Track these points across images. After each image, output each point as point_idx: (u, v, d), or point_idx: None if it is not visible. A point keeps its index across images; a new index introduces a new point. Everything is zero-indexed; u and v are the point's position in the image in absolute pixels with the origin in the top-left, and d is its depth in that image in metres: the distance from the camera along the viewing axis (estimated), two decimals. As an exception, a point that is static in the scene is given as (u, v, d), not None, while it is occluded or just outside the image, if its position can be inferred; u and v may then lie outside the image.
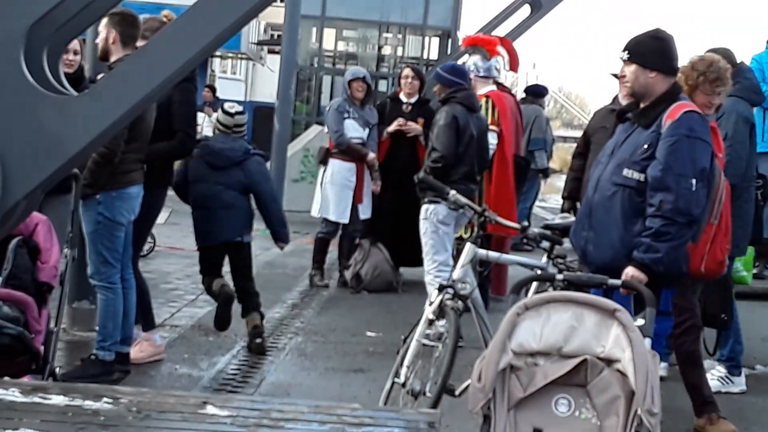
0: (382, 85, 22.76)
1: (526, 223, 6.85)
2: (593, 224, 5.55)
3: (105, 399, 3.51)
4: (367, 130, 10.70)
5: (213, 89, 22.63)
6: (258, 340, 7.94)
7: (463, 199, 6.95)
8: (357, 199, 10.66)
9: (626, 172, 5.41)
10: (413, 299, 8.90)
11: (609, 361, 3.94)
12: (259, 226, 16.62)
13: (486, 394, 3.88)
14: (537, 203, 17.53)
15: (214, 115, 19.95)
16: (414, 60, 22.15)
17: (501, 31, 18.29)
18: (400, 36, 23.30)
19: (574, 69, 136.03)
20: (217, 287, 8.20)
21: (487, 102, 9.43)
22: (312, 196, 11.09)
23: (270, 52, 35.60)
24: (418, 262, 9.02)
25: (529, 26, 19.59)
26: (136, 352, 7.21)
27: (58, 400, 3.49)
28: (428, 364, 5.99)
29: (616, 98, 8.21)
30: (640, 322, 4.15)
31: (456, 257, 7.03)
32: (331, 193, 10.64)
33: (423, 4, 21.61)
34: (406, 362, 5.96)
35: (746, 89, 7.09)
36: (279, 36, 25.52)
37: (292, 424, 3.40)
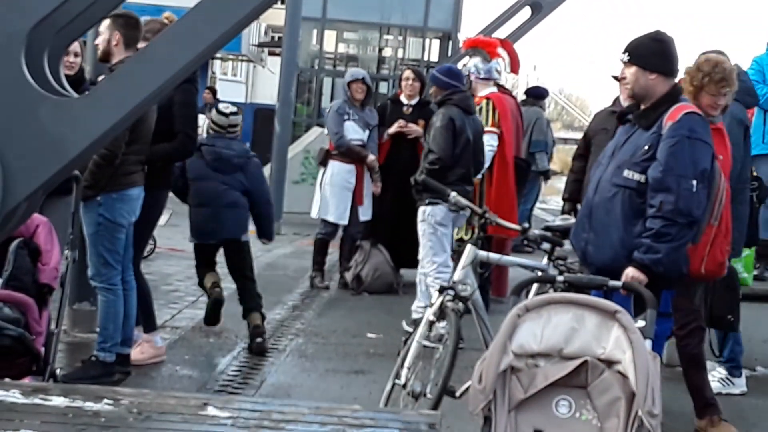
0: (383, 87, 22.79)
1: (526, 225, 6.87)
2: (593, 225, 5.55)
3: (105, 400, 3.51)
4: (367, 132, 10.71)
5: (214, 91, 22.65)
6: (259, 340, 7.95)
7: (464, 201, 6.96)
8: (357, 200, 10.67)
9: (627, 173, 5.42)
10: (414, 301, 8.89)
11: (610, 363, 3.95)
12: (259, 227, 16.56)
13: (487, 396, 3.88)
14: (537, 205, 17.53)
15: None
16: (414, 62, 22.17)
17: (501, 33, 18.30)
18: (400, 38, 23.32)
19: (575, 71, 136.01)
20: (209, 285, 8.31)
21: (487, 104, 9.44)
22: (312, 197, 11.10)
23: (271, 54, 35.60)
24: (418, 262, 9.02)
25: (530, 28, 19.60)
26: (136, 353, 7.21)
27: (58, 401, 3.49)
28: (429, 365, 5.99)
29: (616, 100, 8.22)
30: (641, 323, 4.14)
31: (457, 259, 7.03)
32: (330, 195, 10.64)
33: (423, 6, 21.63)
34: (406, 364, 5.96)
35: (740, 91, 7.09)
36: (280, 38, 25.50)
37: (293, 425, 3.40)
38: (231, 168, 8.16)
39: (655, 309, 4.31)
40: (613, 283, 4.69)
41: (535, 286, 6.14)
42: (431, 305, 6.20)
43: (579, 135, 12.04)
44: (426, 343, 6.03)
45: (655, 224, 5.28)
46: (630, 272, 5.29)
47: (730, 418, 6.55)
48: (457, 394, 5.77)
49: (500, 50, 9.95)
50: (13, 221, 3.42)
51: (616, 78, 7.79)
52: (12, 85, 3.20)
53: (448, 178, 8.29)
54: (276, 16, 21.78)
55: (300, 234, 15.10)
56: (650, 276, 5.26)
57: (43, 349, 4.95)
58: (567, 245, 6.30)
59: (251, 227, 8.46)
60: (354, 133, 10.62)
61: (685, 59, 6.14)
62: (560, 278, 4.78)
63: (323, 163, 10.82)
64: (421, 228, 8.65)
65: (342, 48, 24.30)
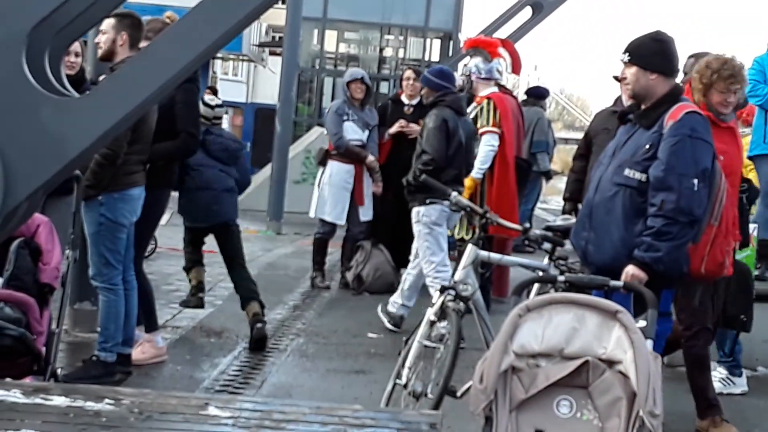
0: (384, 87, 22.80)
1: (527, 225, 6.87)
2: (594, 225, 5.55)
3: (107, 400, 3.51)
4: (366, 132, 10.71)
5: (215, 91, 22.62)
6: (259, 326, 8.03)
7: (465, 201, 6.97)
8: (358, 201, 10.67)
9: (628, 172, 5.42)
10: (417, 300, 8.90)
11: (611, 363, 3.94)
12: (260, 227, 16.66)
13: (488, 396, 3.88)
14: (538, 205, 17.53)
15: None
16: (415, 62, 22.18)
17: (502, 33, 18.35)
18: (401, 38, 23.35)
19: (576, 71, 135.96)
20: (194, 282, 8.78)
21: (488, 104, 9.44)
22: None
23: (271, 53, 35.60)
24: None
25: (531, 28, 19.65)
26: (137, 353, 7.21)
27: (59, 401, 3.49)
28: (430, 365, 5.99)
29: (618, 100, 8.21)
30: (642, 323, 4.14)
31: (458, 259, 7.03)
32: (328, 194, 10.65)
33: (424, 6, 21.65)
34: (407, 364, 5.95)
35: None
36: (280, 38, 25.50)
37: (294, 425, 3.41)
38: (230, 158, 8.42)
39: (656, 309, 4.30)
40: (614, 283, 4.69)
41: (536, 286, 6.14)
42: (432, 305, 6.19)
43: (580, 135, 12.02)
44: (427, 343, 6.03)
45: (657, 223, 5.28)
46: (630, 270, 5.29)
47: (731, 418, 6.55)
48: (458, 394, 5.77)
49: (501, 50, 9.94)
50: (14, 221, 3.42)
51: (616, 78, 7.79)
52: (13, 84, 3.20)
53: (441, 179, 8.29)
54: (277, 15, 21.80)
55: (301, 234, 15.11)
56: (650, 274, 5.27)
57: (44, 349, 4.95)
58: (568, 245, 6.29)
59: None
60: (353, 133, 10.62)
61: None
62: (561, 278, 4.78)
63: (322, 163, 10.83)
64: (416, 229, 8.69)
65: (343, 48, 24.33)
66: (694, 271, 5.74)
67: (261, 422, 3.41)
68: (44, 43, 3.29)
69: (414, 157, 8.83)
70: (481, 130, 9.37)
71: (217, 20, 3.24)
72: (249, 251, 13.37)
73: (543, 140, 14.63)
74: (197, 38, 3.25)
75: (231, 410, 3.53)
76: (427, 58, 22.68)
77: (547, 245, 6.59)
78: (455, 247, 9.67)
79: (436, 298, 6.22)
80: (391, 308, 9.00)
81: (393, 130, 10.69)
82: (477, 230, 6.81)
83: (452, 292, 6.18)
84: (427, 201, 8.32)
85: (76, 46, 7.21)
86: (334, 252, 11.69)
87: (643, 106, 5.57)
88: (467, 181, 9.26)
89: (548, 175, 15.57)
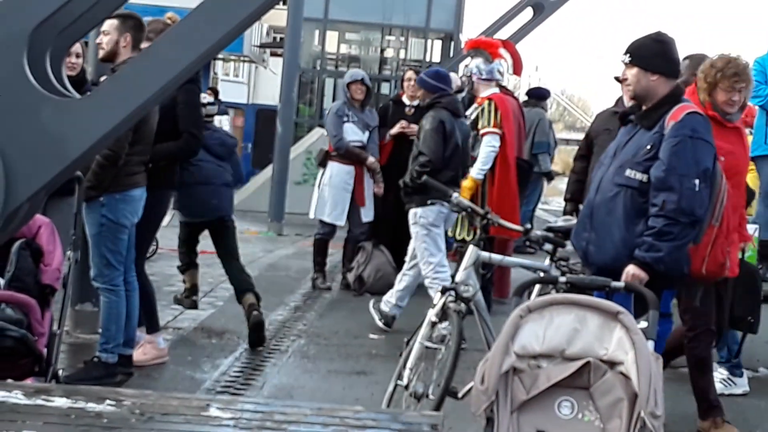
0: (385, 88, 22.79)
1: (528, 226, 6.87)
2: (594, 225, 5.56)
3: (108, 401, 3.51)
4: (367, 133, 10.73)
5: (216, 92, 22.64)
6: (255, 313, 8.09)
7: (466, 202, 6.97)
8: (358, 201, 10.68)
9: (629, 172, 5.42)
10: (416, 302, 8.90)
11: (612, 364, 3.95)
12: (261, 228, 16.66)
13: (489, 397, 3.88)
14: (539, 206, 17.52)
15: (216, 118, 20.01)
16: (416, 62, 22.16)
17: (503, 33, 18.35)
18: (402, 39, 23.33)
19: (577, 72, 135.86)
20: (189, 285, 8.73)
21: (489, 104, 9.44)
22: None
23: (272, 54, 35.63)
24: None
25: (532, 29, 19.64)
26: (139, 354, 7.22)
27: (61, 402, 3.49)
28: (431, 366, 5.99)
29: (619, 100, 8.21)
30: (643, 324, 4.14)
31: (459, 260, 7.03)
32: (328, 195, 10.65)
33: (425, 6, 21.64)
34: (408, 365, 5.95)
35: None
36: (281, 39, 25.50)
37: (295, 426, 3.40)
38: (226, 152, 8.52)
39: (657, 310, 4.31)
40: (615, 284, 4.69)
41: (537, 287, 6.14)
42: (433, 306, 6.19)
43: (581, 136, 12.02)
44: (428, 344, 6.03)
45: (658, 223, 5.28)
46: (631, 270, 5.29)
47: (732, 419, 6.55)
48: (460, 395, 5.75)
49: (503, 51, 9.94)
50: (15, 222, 3.43)
51: (618, 79, 7.79)
52: (14, 85, 3.21)
53: (438, 180, 8.32)
54: (278, 16, 21.83)
55: (302, 235, 15.10)
56: (651, 274, 5.27)
57: (45, 350, 4.94)
58: (569, 246, 6.29)
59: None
60: (353, 134, 10.63)
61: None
62: (562, 279, 4.78)
63: (322, 164, 10.84)
64: (414, 230, 8.71)
65: (344, 49, 24.31)
66: (695, 272, 5.74)
67: (262, 423, 3.41)
68: (46, 44, 3.29)
69: (410, 158, 8.86)
70: (482, 131, 9.37)
71: (218, 21, 3.24)
72: (250, 252, 13.43)
73: (544, 141, 14.62)
74: (198, 39, 3.26)
75: (232, 411, 3.53)
76: (428, 59, 22.67)
77: (548, 246, 6.59)
78: (457, 249, 9.67)
79: (437, 299, 6.22)
80: (384, 307, 9.02)
81: (394, 131, 10.70)
82: (478, 231, 6.81)
83: (453, 293, 6.18)
84: (428, 202, 8.34)
85: (77, 47, 7.20)
86: (335, 253, 11.69)
87: (644, 107, 5.57)
88: (468, 182, 9.27)
89: (550, 176, 15.56)
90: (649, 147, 5.40)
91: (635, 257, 5.31)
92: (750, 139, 8.83)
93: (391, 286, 10.23)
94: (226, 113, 22.79)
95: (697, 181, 5.31)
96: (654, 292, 4.53)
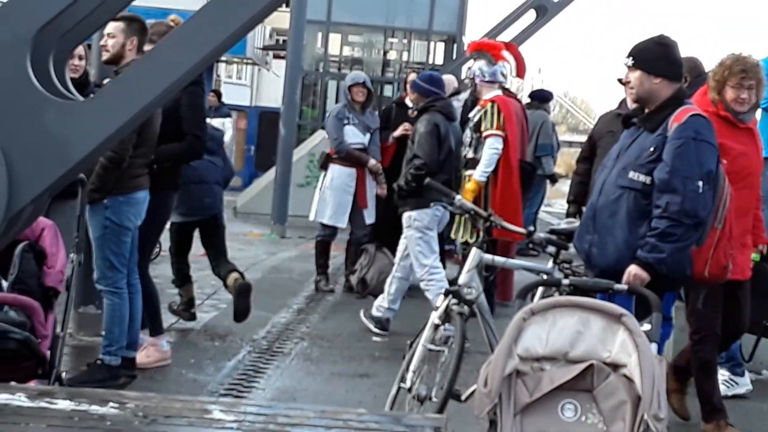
0: (388, 90, 22.80)
1: (531, 228, 6.86)
2: (597, 227, 5.55)
3: (111, 404, 3.51)
4: (368, 135, 10.76)
5: (219, 94, 22.63)
6: (242, 281, 8.38)
7: (469, 204, 6.98)
8: (361, 203, 10.70)
9: (632, 174, 5.42)
10: (419, 304, 8.91)
11: (615, 366, 3.94)
12: (264, 231, 16.67)
13: (492, 399, 3.88)
14: (542, 208, 17.53)
15: (218, 120, 20.00)
16: (419, 65, 22.19)
17: (506, 36, 18.35)
18: (405, 41, 23.35)
19: (580, 74, 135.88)
20: (187, 299, 8.73)
21: (492, 107, 9.44)
22: (317, 201, 11.14)
23: (275, 57, 35.63)
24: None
25: (535, 31, 19.64)
26: (142, 357, 7.22)
27: (64, 404, 3.49)
28: (434, 369, 5.98)
29: (622, 102, 8.21)
30: (647, 327, 4.14)
31: (462, 262, 7.03)
32: (330, 198, 10.67)
33: (428, 9, 21.65)
34: (412, 367, 5.95)
35: None
36: (284, 41, 25.55)
37: (299, 429, 3.40)
38: (216, 145, 8.55)
39: (660, 312, 4.31)
40: (618, 286, 4.69)
41: (540, 289, 6.13)
42: (436, 309, 6.19)
43: (584, 138, 12.02)
44: (431, 346, 6.03)
45: (661, 224, 5.28)
46: (633, 270, 5.29)
47: (735, 421, 6.55)
48: (463, 397, 5.77)
49: (506, 54, 9.94)
50: (18, 224, 3.43)
51: (621, 81, 7.79)
52: (17, 88, 3.20)
53: None
54: (281, 19, 21.81)
55: (305, 237, 15.11)
56: (653, 275, 5.26)
57: (48, 353, 4.94)
58: (572, 248, 6.29)
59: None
60: (354, 137, 10.65)
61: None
62: (566, 281, 4.77)
63: (324, 166, 10.86)
64: (408, 233, 8.77)
65: (347, 51, 24.34)
66: (697, 275, 5.73)
67: (265, 426, 3.41)
68: (49, 46, 3.29)
69: (404, 162, 8.91)
70: (485, 134, 9.38)
71: (221, 23, 3.24)
72: (253, 255, 13.46)
73: (548, 143, 14.62)
74: (201, 41, 3.25)
75: (235, 414, 3.53)
76: (431, 62, 22.68)
77: (551, 248, 6.59)
78: (460, 251, 9.68)
79: (437, 301, 6.23)
80: (376, 312, 9.06)
81: (397, 133, 10.72)
82: (481, 233, 6.81)
83: (456, 295, 6.18)
84: (431, 204, 8.37)
85: (79, 50, 7.21)
86: (338, 255, 11.70)
87: (646, 110, 5.57)
88: (471, 184, 9.28)
89: (553, 178, 15.56)
90: (652, 149, 5.40)
91: (637, 257, 5.31)
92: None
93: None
94: (229, 116, 22.78)
95: (700, 183, 5.31)
96: (655, 294, 4.53)
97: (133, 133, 6.39)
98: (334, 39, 23.27)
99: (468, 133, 9.59)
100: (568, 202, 8.65)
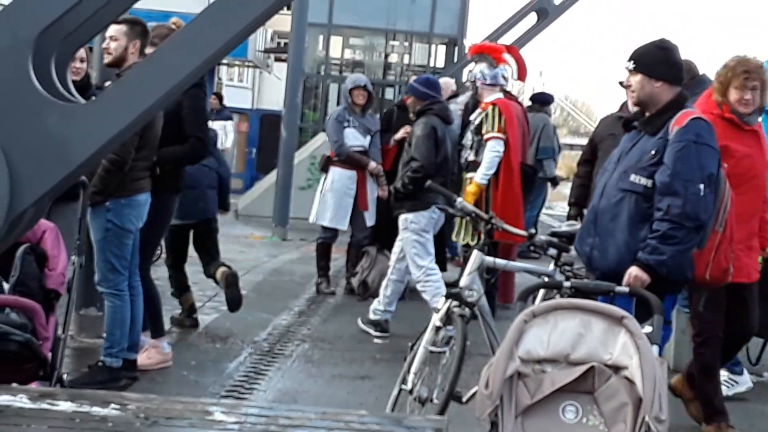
0: (389, 93, 22.79)
1: (533, 231, 6.87)
2: (599, 230, 5.56)
3: (112, 405, 3.52)
4: (368, 138, 10.77)
5: (220, 97, 22.65)
6: (230, 271, 8.66)
7: (470, 207, 6.99)
8: (362, 206, 10.71)
9: (633, 177, 5.42)
10: (419, 306, 8.91)
11: (616, 368, 3.95)
12: (266, 233, 16.65)
13: (493, 401, 3.88)
14: (544, 211, 17.53)
15: (220, 123, 20.01)
16: (420, 68, 22.18)
17: (507, 39, 18.33)
18: (406, 44, 23.32)
19: (581, 76, 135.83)
20: (188, 306, 8.85)
21: (493, 109, 9.44)
22: (318, 203, 11.15)
23: (277, 60, 35.60)
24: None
25: (536, 34, 19.63)
26: (143, 358, 7.22)
27: (65, 406, 3.50)
28: (435, 371, 5.99)
29: (624, 105, 8.21)
30: (648, 329, 4.14)
31: (463, 264, 7.04)
32: (330, 200, 10.69)
33: (429, 12, 21.64)
34: (413, 369, 5.96)
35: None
36: (286, 44, 25.52)
37: (300, 430, 3.41)
38: (210, 150, 8.54)
39: (661, 315, 4.31)
40: (620, 288, 4.70)
41: (541, 291, 6.13)
42: (437, 311, 6.19)
43: (585, 141, 12.02)
44: (432, 348, 6.03)
45: (662, 227, 5.28)
46: (633, 271, 5.29)
47: (736, 423, 6.55)
48: (464, 399, 5.77)
49: (507, 57, 9.95)
50: (20, 227, 3.43)
51: (622, 84, 7.79)
52: (19, 90, 3.21)
53: None
54: (282, 22, 21.81)
55: (306, 240, 15.11)
56: (653, 277, 5.26)
57: (50, 355, 4.95)
58: (573, 251, 6.29)
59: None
60: (354, 139, 10.67)
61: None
62: (567, 284, 4.78)
63: (324, 169, 10.87)
64: (404, 236, 8.81)
65: (348, 54, 24.32)
66: (698, 278, 5.74)
67: (267, 427, 3.42)
68: (50, 48, 3.29)
69: (401, 164, 8.95)
70: (486, 136, 9.39)
71: (222, 26, 3.25)
72: (254, 257, 13.46)
73: (549, 146, 14.62)
74: (203, 44, 3.26)
75: (237, 415, 3.53)
76: (432, 64, 22.66)
77: (552, 251, 6.59)
78: (461, 253, 9.69)
79: (435, 303, 6.24)
80: (373, 316, 9.09)
81: (398, 135, 10.72)
82: (482, 236, 6.81)
83: (457, 297, 6.19)
84: (432, 208, 8.38)
85: (81, 52, 7.22)
86: (339, 258, 11.70)
87: (647, 113, 5.57)
88: (472, 187, 9.29)
89: (554, 181, 15.56)
90: (653, 152, 5.41)
91: (638, 259, 5.31)
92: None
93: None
94: (231, 118, 22.80)
95: (701, 186, 5.31)
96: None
97: (135, 136, 6.40)
98: (336, 42, 23.26)
99: (469, 135, 9.61)
100: (569, 204, 8.66)
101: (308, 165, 18.20)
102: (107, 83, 7.25)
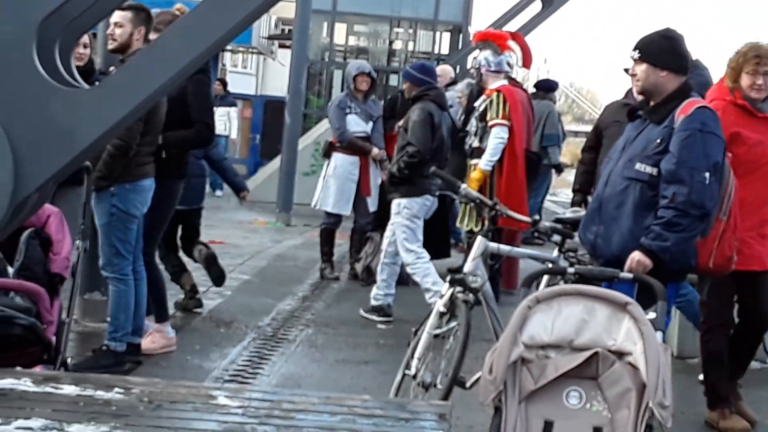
0: (393, 80, 22.76)
1: (537, 217, 6.87)
2: (603, 218, 5.54)
3: (116, 389, 3.53)
4: (370, 123, 10.79)
5: (224, 83, 22.62)
6: (206, 250, 8.87)
7: (474, 193, 6.99)
8: (364, 191, 10.73)
9: (639, 166, 5.41)
10: (418, 292, 8.93)
11: (620, 354, 3.95)
12: (270, 219, 16.67)
13: (497, 387, 3.89)
14: (548, 197, 17.52)
15: (224, 109, 20.00)
16: (425, 55, 22.16)
17: (512, 26, 18.32)
18: (411, 31, 23.30)
19: (586, 63, 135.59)
20: (188, 288, 8.89)
21: (498, 96, 9.44)
22: (322, 189, 11.16)
23: (281, 46, 35.54)
24: (429, 254, 9.07)
25: (541, 21, 19.62)
26: (147, 343, 7.24)
27: (69, 390, 3.51)
28: (439, 356, 6.00)
29: (629, 92, 8.18)
30: (652, 315, 4.15)
31: (467, 251, 7.05)
32: (333, 186, 10.71)
33: (434, -1, 21.61)
34: (417, 354, 5.96)
35: (699, 86, 7.05)
36: (290, 30, 25.45)
37: (303, 414, 3.42)
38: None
39: (665, 301, 4.31)
40: (624, 274, 4.70)
41: (545, 277, 6.13)
42: (441, 296, 6.20)
43: (589, 128, 12.00)
44: (437, 332, 6.04)
45: (667, 214, 5.27)
46: (636, 256, 5.27)
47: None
48: (468, 384, 5.78)
49: (512, 44, 9.94)
50: (24, 211, 3.44)
51: (627, 71, 7.77)
52: (23, 76, 3.21)
53: (424, 172, 8.44)
54: (286, 8, 21.77)
55: (310, 225, 15.12)
56: (656, 262, 5.26)
57: (54, 338, 4.96)
58: (577, 237, 6.29)
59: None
60: (356, 125, 10.69)
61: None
62: (571, 270, 4.78)
63: (327, 155, 10.89)
64: (395, 220, 8.85)
65: (352, 40, 24.28)
66: (702, 266, 5.73)
67: (270, 412, 3.43)
68: (55, 34, 3.30)
69: (396, 149, 8.98)
70: (490, 123, 9.39)
71: (226, 12, 3.25)
72: (258, 242, 13.48)
73: (554, 133, 14.61)
74: (207, 30, 3.26)
75: (240, 400, 3.54)
76: (436, 51, 22.64)
77: (556, 237, 6.59)
78: (465, 239, 9.69)
79: (424, 283, 6.23)
80: (374, 302, 9.10)
81: (403, 122, 10.71)
82: (486, 222, 6.81)
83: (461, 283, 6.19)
84: (437, 193, 8.40)
85: (84, 38, 7.21)
86: (343, 243, 11.71)
87: (652, 102, 5.56)
88: (476, 173, 9.30)
89: (559, 168, 15.55)
90: (659, 141, 5.39)
91: (641, 244, 5.30)
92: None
93: (398, 276, 10.29)
94: (235, 105, 22.78)
95: (707, 175, 5.30)
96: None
97: (140, 121, 6.41)
98: (340, 28, 23.23)
99: (473, 122, 9.61)
100: (574, 191, 8.64)
101: (312, 151, 18.21)
102: (111, 69, 7.25)
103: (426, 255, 8.95)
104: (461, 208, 9.30)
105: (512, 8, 19.69)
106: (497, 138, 9.36)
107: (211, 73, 8.14)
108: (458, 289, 6.13)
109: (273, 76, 40.19)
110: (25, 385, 3.53)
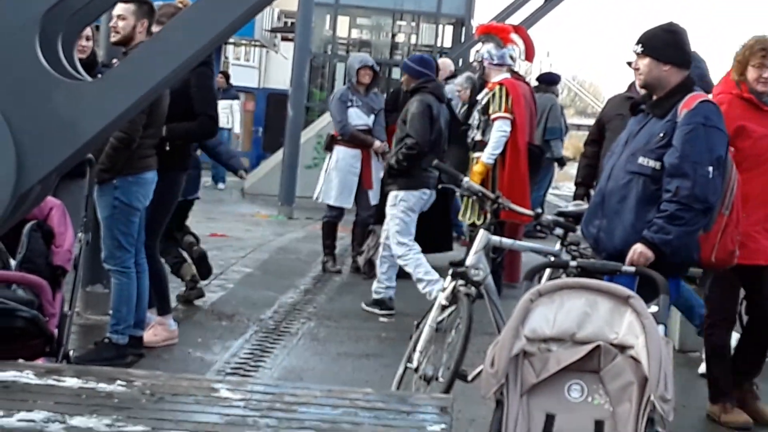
0: (396, 73, 22.75)
1: (539, 210, 6.86)
2: (606, 212, 5.54)
3: (118, 382, 3.53)
4: (372, 116, 10.80)
5: (227, 76, 22.62)
6: (196, 248, 8.87)
7: (477, 186, 6.98)
8: (366, 184, 10.74)
9: (642, 160, 5.41)
10: (416, 282, 8.93)
11: (622, 348, 3.95)
12: (272, 212, 16.68)
13: (499, 380, 3.89)
14: (550, 191, 17.52)
15: (226, 102, 19.98)
16: (427, 48, 22.14)
17: (515, 19, 18.30)
18: (413, 24, 23.29)
19: (588, 57, 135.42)
20: (189, 278, 8.86)
21: (500, 89, 9.43)
22: (324, 182, 11.17)
23: (284, 39, 35.53)
24: (431, 247, 9.08)
25: (544, 14, 19.61)
26: (150, 335, 7.25)
27: (72, 382, 3.51)
28: (441, 349, 6.00)
29: (632, 86, 8.18)
30: (654, 308, 4.15)
31: (469, 244, 7.05)
32: (335, 179, 10.71)
33: (437, -8, 21.60)
34: (418, 347, 5.96)
35: (696, 78, 7.03)
36: (293, 23, 25.49)
37: (305, 407, 3.42)
38: None
39: (667, 294, 4.31)
40: (626, 268, 4.70)
41: (547, 271, 6.13)
42: (443, 289, 6.20)
43: (592, 121, 12.00)
44: (439, 325, 6.04)
45: (670, 207, 5.27)
46: (638, 248, 5.27)
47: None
48: (469, 378, 5.78)
49: (515, 37, 9.93)
50: (26, 204, 3.44)
51: (630, 64, 7.76)
52: (26, 68, 3.21)
53: (423, 164, 8.44)
54: (289, 1, 21.80)
55: (312, 218, 15.12)
56: (657, 255, 5.25)
57: (56, 331, 4.96)
58: (579, 231, 6.29)
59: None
60: (358, 119, 10.69)
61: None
62: (573, 263, 4.78)
63: (329, 148, 10.89)
64: (391, 212, 8.86)
65: (355, 33, 24.28)
66: (704, 260, 5.73)
67: (272, 404, 3.43)
68: (57, 26, 3.29)
69: (394, 142, 8.99)
70: (493, 116, 9.38)
71: (229, 5, 3.24)
72: (260, 235, 13.48)
73: (557, 127, 14.60)
74: (209, 23, 3.25)
75: (242, 392, 3.54)
76: (439, 44, 22.63)
77: (559, 230, 6.59)
78: (467, 232, 9.69)
79: (416, 273, 6.22)
80: (376, 295, 9.10)
81: (401, 114, 10.72)
82: (489, 215, 6.81)
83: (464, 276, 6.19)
84: (440, 187, 8.39)
85: (87, 30, 7.21)
86: (345, 236, 11.71)
87: (655, 96, 5.56)
88: (479, 167, 9.30)
89: (561, 161, 15.54)
90: (661, 135, 5.39)
91: (643, 237, 5.30)
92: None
93: (400, 268, 10.28)
94: (237, 98, 22.78)
95: (710, 169, 5.30)
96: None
97: (142, 114, 6.41)
98: (343, 21, 23.22)
99: (476, 115, 9.60)
100: (576, 184, 8.65)
101: (314, 144, 18.20)
102: (114, 61, 7.25)
103: (417, 246, 8.96)
104: (463, 202, 9.29)
105: (515, 1, 19.67)
106: (500, 131, 9.35)
107: (214, 65, 8.13)
108: (460, 282, 6.13)
109: (276, 68, 40.19)
110: (27, 377, 3.53)
